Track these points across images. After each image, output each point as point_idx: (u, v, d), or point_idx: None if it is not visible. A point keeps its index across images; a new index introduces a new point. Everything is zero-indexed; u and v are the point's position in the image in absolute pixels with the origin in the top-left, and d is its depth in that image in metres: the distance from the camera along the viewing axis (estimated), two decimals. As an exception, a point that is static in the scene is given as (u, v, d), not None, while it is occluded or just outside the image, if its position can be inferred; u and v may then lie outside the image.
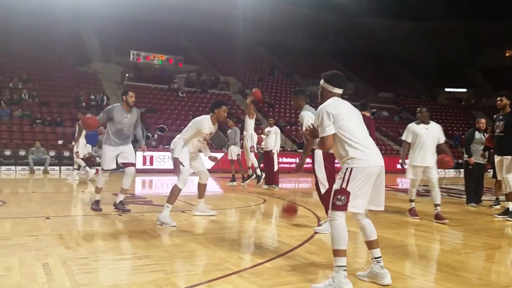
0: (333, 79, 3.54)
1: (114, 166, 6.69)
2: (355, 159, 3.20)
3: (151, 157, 16.78)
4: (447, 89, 39.50)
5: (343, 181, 3.18)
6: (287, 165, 19.30)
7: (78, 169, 12.72)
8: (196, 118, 6.16)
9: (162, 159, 16.90)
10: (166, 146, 18.43)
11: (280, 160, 15.45)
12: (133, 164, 6.69)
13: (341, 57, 36.64)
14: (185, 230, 5.36)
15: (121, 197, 6.75)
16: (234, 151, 12.24)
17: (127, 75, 25.25)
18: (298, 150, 21.21)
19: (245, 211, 7.53)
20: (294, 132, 23.34)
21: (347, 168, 3.21)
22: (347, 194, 3.15)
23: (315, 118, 3.44)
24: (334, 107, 3.31)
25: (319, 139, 3.34)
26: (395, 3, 34.89)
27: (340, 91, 3.52)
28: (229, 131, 12.59)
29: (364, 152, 3.21)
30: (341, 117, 3.27)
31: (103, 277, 3.47)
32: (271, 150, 11.42)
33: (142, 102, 22.65)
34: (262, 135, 12.02)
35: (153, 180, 13.93)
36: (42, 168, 15.29)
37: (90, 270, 3.59)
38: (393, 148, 25.17)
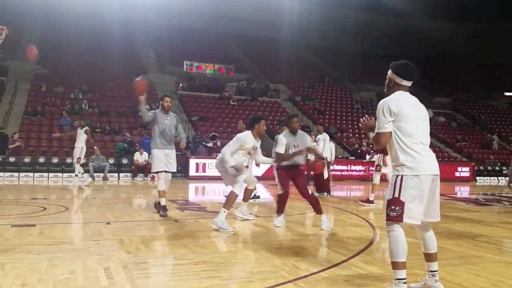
0: (403, 69, 3.26)
1: (165, 168, 7.05)
2: (405, 166, 3.02)
3: (204, 164, 17.11)
4: (507, 93, 37.48)
5: (394, 189, 3.02)
6: (339, 173, 19.05)
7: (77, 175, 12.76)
8: (239, 135, 6.43)
9: (215, 166, 17.16)
10: (218, 154, 18.76)
11: (331, 167, 15.25)
12: (173, 172, 7.28)
13: (394, 61, 35.71)
14: (239, 237, 5.41)
15: (161, 199, 7.14)
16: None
17: (180, 84, 25.96)
18: (349, 157, 20.87)
19: (297, 219, 7.50)
20: (345, 139, 23.01)
21: (397, 176, 3.04)
22: (401, 204, 2.98)
23: (378, 112, 3.16)
24: (397, 104, 3.08)
25: (374, 133, 3.15)
26: (450, 4, 33.63)
27: (409, 83, 3.26)
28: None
29: (415, 159, 3.02)
30: (402, 117, 3.06)
31: (162, 282, 3.57)
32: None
33: (194, 111, 23.21)
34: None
35: (206, 187, 14.18)
36: (101, 175, 15.98)
37: (150, 274, 3.72)
38: (451, 155, 24.18)
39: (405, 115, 3.07)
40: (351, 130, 24.80)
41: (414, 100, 3.23)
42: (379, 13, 34.54)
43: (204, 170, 17.06)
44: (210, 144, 19.40)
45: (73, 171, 12.78)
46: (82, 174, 12.78)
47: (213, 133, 20.51)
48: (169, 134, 7.07)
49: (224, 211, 5.89)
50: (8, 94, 21.16)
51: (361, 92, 31.52)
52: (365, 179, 18.74)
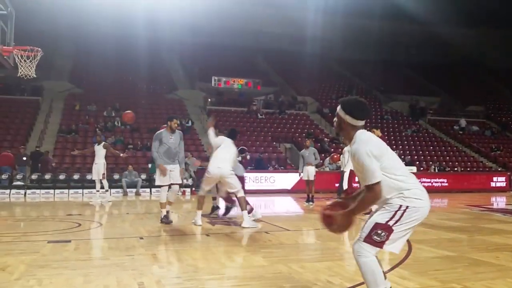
0: (357, 109, 2.90)
1: (168, 182, 7.72)
2: (412, 197, 2.75)
3: (233, 179, 17.15)
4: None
5: (391, 218, 2.73)
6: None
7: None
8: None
9: (245, 180, 17.20)
10: (249, 167, 18.79)
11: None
12: (179, 184, 7.93)
13: (423, 69, 35.21)
14: (270, 251, 5.39)
15: (167, 208, 7.87)
16: (311, 172, 12.05)
17: (209, 100, 26.29)
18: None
19: (327, 233, 7.41)
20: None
21: (401, 206, 2.74)
22: (390, 232, 2.71)
23: (354, 160, 2.79)
24: (375, 146, 2.79)
25: (370, 185, 2.72)
26: (478, 10, 32.91)
27: (363, 123, 2.91)
28: (302, 150, 12.48)
29: (422, 191, 2.79)
30: (382, 152, 2.79)
31: (195, 297, 3.59)
32: (342, 170, 11.19)
33: (223, 125, 23.36)
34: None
35: (235, 201, 14.18)
36: (134, 190, 16.24)
37: (183, 289, 3.74)
38: (486, 165, 23.47)
39: (385, 150, 2.84)
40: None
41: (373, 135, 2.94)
42: (405, 21, 34.16)
43: (234, 184, 17.11)
44: (239, 158, 19.46)
45: (96, 187, 12.95)
46: (106, 191, 12.98)
47: (241, 147, 20.55)
48: (173, 151, 7.72)
49: (245, 212, 7.30)
50: (43, 113, 21.91)
51: (391, 102, 31.11)
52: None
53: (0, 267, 4.38)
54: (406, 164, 20.22)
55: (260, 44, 34.30)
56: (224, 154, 7.73)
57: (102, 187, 12.65)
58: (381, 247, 2.73)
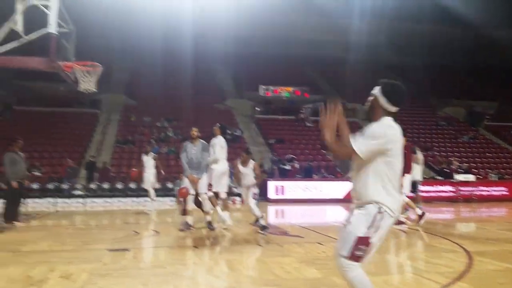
0: (395, 93, 2.83)
1: (192, 192, 8.03)
2: (387, 204, 2.68)
3: (283, 187, 17.16)
4: None
5: (370, 227, 2.66)
6: (425, 194, 18.13)
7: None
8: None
9: (293, 189, 17.16)
10: (298, 176, 18.73)
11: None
12: (204, 193, 8.10)
13: (478, 73, 33.72)
14: (324, 263, 5.34)
15: (207, 218, 8.14)
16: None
17: (257, 108, 26.49)
18: (437, 178, 19.83)
19: (384, 244, 7.24)
20: (431, 158, 21.92)
21: (378, 212, 2.67)
22: (368, 245, 2.67)
23: (370, 132, 2.73)
24: (395, 136, 2.72)
25: (344, 145, 2.72)
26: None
27: (395, 110, 2.83)
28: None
29: (397, 199, 2.73)
30: (395, 151, 2.72)
31: (251, 308, 3.62)
32: None
33: (271, 134, 23.51)
34: None
35: (285, 210, 14.18)
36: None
37: (239, 300, 3.79)
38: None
39: (398, 149, 2.75)
40: (436, 149, 23.62)
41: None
42: (455, 24, 32.84)
43: (283, 193, 17.09)
44: (288, 166, 19.47)
45: (151, 196, 13.28)
46: (152, 200, 13.27)
47: (290, 155, 20.59)
48: (195, 161, 7.97)
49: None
50: (101, 125, 22.93)
51: (445, 107, 30.03)
52: (454, 200, 17.66)
53: (64, 275, 4.61)
54: (463, 172, 19.43)
55: (306, 52, 34.19)
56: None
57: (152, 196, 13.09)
58: (361, 261, 2.70)
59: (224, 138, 8.95)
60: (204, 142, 8.22)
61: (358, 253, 2.67)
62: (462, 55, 35.44)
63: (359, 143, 2.68)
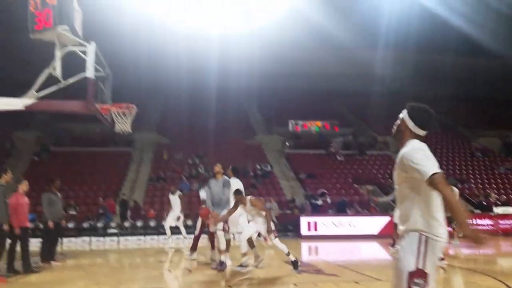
0: (423, 117, 2.79)
1: (213, 229, 8.08)
2: (430, 230, 2.60)
3: (315, 223, 16.86)
4: None
5: (418, 257, 2.57)
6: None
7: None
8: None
9: (326, 225, 16.85)
10: (330, 211, 18.44)
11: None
12: (224, 229, 7.98)
13: (509, 103, 32.90)
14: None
15: (217, 256, 8.02)
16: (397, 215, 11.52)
17: (287, 143, 26.53)
18: (474, 211, 19.12)
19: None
20: (467, 190, 21.24)
21: (420, 237, 2.59)
22: (425, 276, 2.55)
23: (399, 163, 2.68)
24: (429, 153, 2.64)
25: (430, 178, 2.51)
26: None
27: (424, 133, 2.79)
28: (392, 193, 11.98)
29: (441, 224, 2.62)
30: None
31: None
32: None
33: (301, 168, 23.40)
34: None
35: (319, 247, 13.90)
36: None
37: None
38: None
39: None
40: (473, 180, 22.88)
41: None
42: (481, 55, 32.35)
43: (316, 229, 16.78)
44: (320, 202, 19.22)
45: (183, 234, 13.43)
46: (168, 236, 13.39)
47: (322, 190, 20.35)
48: (216, 198, 7.98)
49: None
50: (135, 164, 23.41)
51: (479, 138, 29.28)
52: (494, 234, 16.92)
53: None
54: (501, 205, 18.69)
55: (334, 86, 34.37)
56: None
57: (178, 232, 13.47)
58: None
59: (239, 179, 9.01)
60: (226, 178, 8.24)
61: (414, 287, 2.56)
62: (491, 86, 34.83)
63: (430, 167, 2.55)
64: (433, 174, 2.51)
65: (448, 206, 2.54)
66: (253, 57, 28.93)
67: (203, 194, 9.25)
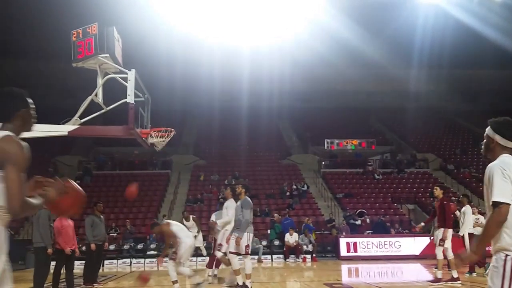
0: (506, 128, 2.77)
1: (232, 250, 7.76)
2: None
3: (355, 244, 16.51)
4: None
5: (504, 279, 2.45)
6: None
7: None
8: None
9: (366, 246, 16.47)
10: (369, 232, 18.04)
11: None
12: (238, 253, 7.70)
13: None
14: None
15: (239, 280, 7.67)
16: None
17: (323, 163, 26.30)
18: None
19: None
20: None
21: (506, 257, 2.48)
22: None
23: (492, 177, 2.62)
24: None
25: (494, 204, 2.53)
26: None
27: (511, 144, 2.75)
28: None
29: None
30: None
31: None
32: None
33: (339, 188, 23.11)
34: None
35: (359, 268, 13.57)
36: (256, 257, 16.37)
37: None
38: None
39: None
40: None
41: None
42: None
43: (355, 250, 16.41)
44: (359, 222, 18.84)
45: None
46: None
47: (360, 210, 19.96)
48: (235, 218, 7.85)
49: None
50: (172, 185, 23.78)
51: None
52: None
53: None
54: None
55: (370, 104, 34.12)
56: None
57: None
58: None
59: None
60: (247, 199, 7.96)
61: None
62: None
63: (498, 194, 2.54)
64: (499, 202, 2.53)
65: (485, 232, 2.61)
66: (284, 76, 29.17)
67: (213, 217, 9.70)
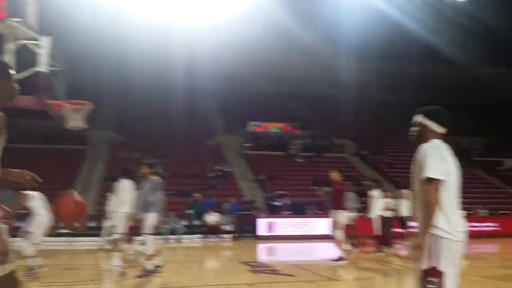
0: (441, 116, 2.94)
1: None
2: (443, 228, 2.65)
3: (273, 224, 16.98)
4: None
5: (430, 256, 2.60)
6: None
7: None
8: None
9: (284, 226, 17.00)
10: (287, 212, 18.61)
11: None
12: (145, 233, 7.19)
13: (465, 110, 34.44)
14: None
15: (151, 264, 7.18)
16: (350, 216, 12.06)
17: (247, 144, 26.54)
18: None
19: (369, 283, 7.14)
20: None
21: (434, 239, 2.63)
22: (439, 275, 2.57)
23: (425, 156, 2.73)
24: (445, 152, 2.77)
25: (425, 179, 2.65)
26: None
27: (444, 131, 2.93)
28: None
29: (452, 223, 2.69)
30: (451, 171, 2.76)
31: None
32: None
33: (261, 170, 23.48)
34: None
35: (276, 247, 13.98)
36: (175, 237, 16.22)
37: None
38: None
39: (450, 168, 2.78)
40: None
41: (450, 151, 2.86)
42: (441, 64, 33.86)
43: (274, 230, 16.89)
44: (278, 203, 19.35)
45: None
46: None
47: (280, 191, 20.50)
48: (142, 200, 7.39)
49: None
50: (88, 162, 22.73)
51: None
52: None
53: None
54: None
55: (299, 89, 34.83)
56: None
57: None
58: None
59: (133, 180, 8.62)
60: (157, 180, 7.62)
61: (430, 286, 2.58)
62: (448, 93, 36.38)
63: (431, 171, 2.66)
64: (430, 178, 2.64)
65: (426, 211, 2.66)
66: (215, 57, 28.80)
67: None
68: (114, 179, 9.90)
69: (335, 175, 9.61)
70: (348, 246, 9.54)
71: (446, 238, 2.63)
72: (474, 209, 20.79)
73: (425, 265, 2.61)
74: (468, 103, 35.15)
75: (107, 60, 27.17)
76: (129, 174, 8.45)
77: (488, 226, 18.46)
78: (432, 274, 2.57)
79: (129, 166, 8.30)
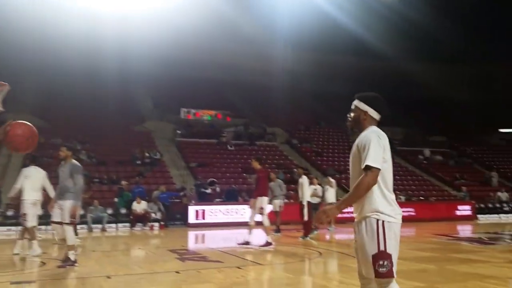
0: (379, 102, 2.95)
1: (56, 219, 7.04)
2: (386, 212, 2.71)
3: (203, 211, 16.94)
4: (501, 130, 37.92)
5: (378, 240, 2.66)
6: (340, 215, 18.86)
7: None
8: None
9: (214, 213, 17.02)
10: (218, 200, 18.63)
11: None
12: (63, 223, 6.83)
13: (389, 103, 36.31)
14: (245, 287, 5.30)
15: (73, 255, 6.85)
16: (277, 203, 12.60)
17: (178, 131, 26.14)
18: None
19: (298, 266, 7.37)
20: (344, 180, 22.94)
21: (377, 221, 2.69)
22: (388, 257, 2.65)
23: (369, 142, 2.76)
24: (386, 142, 2.79)
25: (365, 168, 2.69)
26: (442, 48, 34.62)
27: (380, 117, 2.95)
28: (271, 183, 12.50)
29: (393, 206, 2.77)
30: (388, 157, 2.79)
31: None
32: (300, 202, 11.49)
33: (193, 157, 23.28)
34: None
35: (205, 235, 13.98)
36: (100, 226, 15.66)
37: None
38: (450, 194, 24.09)
39: (388, 154, 2.82)
40: (349, 172, 24.80)
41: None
42: (368, 57, 35.41)
43: (203, 217, 16.86)
44: (209, 190, 19.31)
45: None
46: None
47: (211, 179, 20.45)
48: (60, 185, 6.97)
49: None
50: (5, 148, 21.21)
51: (357, 134, 31.79)
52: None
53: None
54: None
55: (229, 77, 34.68)
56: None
57: None
58: (392, 275, 2.65)
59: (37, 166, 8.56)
60: (76, 164, 7.11)
61: (381, 269, 2.63)
62: (372, 87, 37.96)
63: (372, 159, 2.69)
64: (369, 167, 2.67)
65: (353, 192, 2.74)
66: (147, 41, 27.92)
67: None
68: (35, 165, 9.34)
69: (255, 163, 9.86)
70: (273, 232, 9.82)
71: (391, 222, 2.71)
72: (395, 195, 22.11)
73: (374, 250, 2.66)
74: (392, 96, 37.05)
75: (30, 39, 25.38)
76: (37, 161, 8.02)
77: (404, 211, 19.68)
78: (382, 258, 2.64)
79: (36, 153, 7.80)
